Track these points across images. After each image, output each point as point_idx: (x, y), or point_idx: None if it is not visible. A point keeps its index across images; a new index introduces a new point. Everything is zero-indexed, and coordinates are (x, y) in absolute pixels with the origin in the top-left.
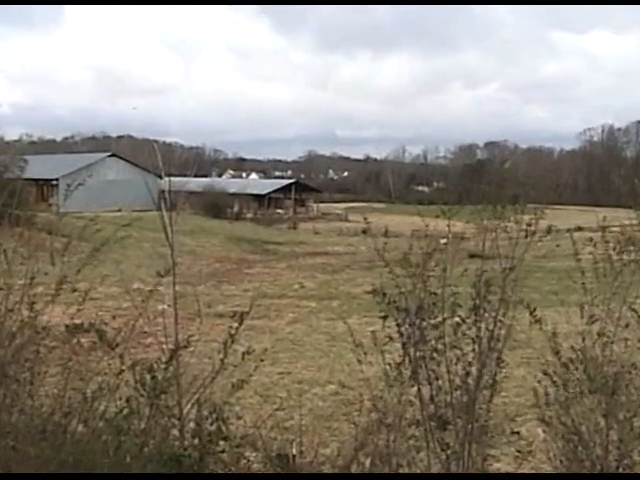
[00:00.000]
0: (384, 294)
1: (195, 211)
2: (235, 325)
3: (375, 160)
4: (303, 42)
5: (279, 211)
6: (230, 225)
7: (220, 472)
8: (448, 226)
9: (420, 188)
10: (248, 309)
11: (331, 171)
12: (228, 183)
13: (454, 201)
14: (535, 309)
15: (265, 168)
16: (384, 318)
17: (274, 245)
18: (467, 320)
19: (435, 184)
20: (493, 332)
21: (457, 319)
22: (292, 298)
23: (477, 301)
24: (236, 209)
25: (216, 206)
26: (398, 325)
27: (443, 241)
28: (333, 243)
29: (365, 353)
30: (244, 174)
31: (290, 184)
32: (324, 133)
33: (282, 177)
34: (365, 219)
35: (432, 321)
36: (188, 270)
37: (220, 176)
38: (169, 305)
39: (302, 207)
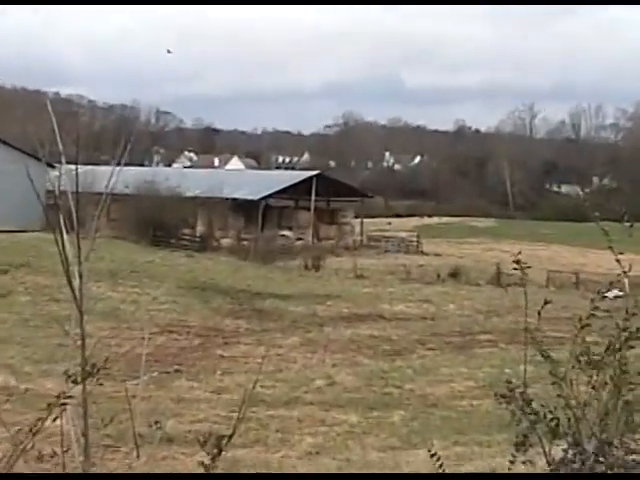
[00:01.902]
0: (526, 402)
1: (120, 233)
2: (204, 460)
3: (477, 133)
4: None
5: (286, 233)
6: (189, 260)
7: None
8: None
9: (565, 189)
10: (230, 429)
11: (388, 155)
12: (184, 177)
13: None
14: None
15: (258, 149)
16: (519, 447)
17: (276, 300)
18: None
19: (595, 180)
20: None
21: None
22: (312, 405)
23: None
24: (200, 228)
25: (161, 223)
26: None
27: (612, 293)
28: (392, 297)
29: None
30: (216, 160)
31: (308, 180)
32: (377, 80)
33: (291, 167)
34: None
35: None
36: (107, 349)
37: (170, 164)
38: (72, 420)
39: (331, 225)
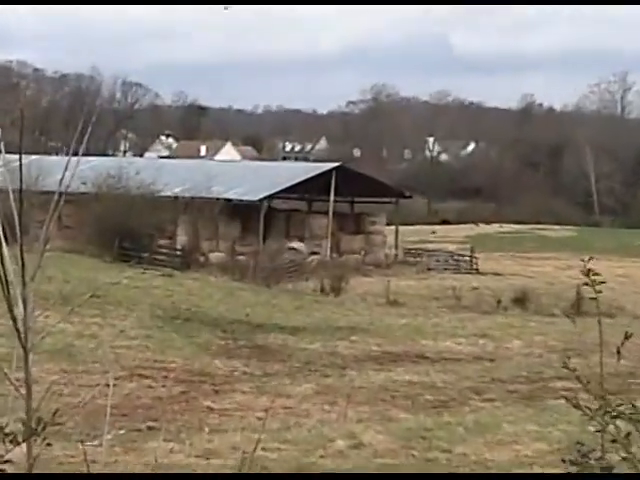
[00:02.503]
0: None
1: (76, 245)
2: None
3: (550, 111)
4: None
5: (296, 245)
6: (167, 281)
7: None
8: None
9: None
10: None
11: (432, 141)
12: (161, 171)
13: None
14: None
15: (259, 133)
16: None
17: (283, 335)
18: None
19: None
20: None
21: None
22: None
23: None
24: (182, 239)
25: (129, 232)
26: None
27: None
28: (438, 331)
29: None
30: (203, 148)
31: (325, 175)
32: (418, 43)
33: (303, 157)
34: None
35: None
36: (59, 400)
37: (142, 154)
38: None
39: (356, 234)
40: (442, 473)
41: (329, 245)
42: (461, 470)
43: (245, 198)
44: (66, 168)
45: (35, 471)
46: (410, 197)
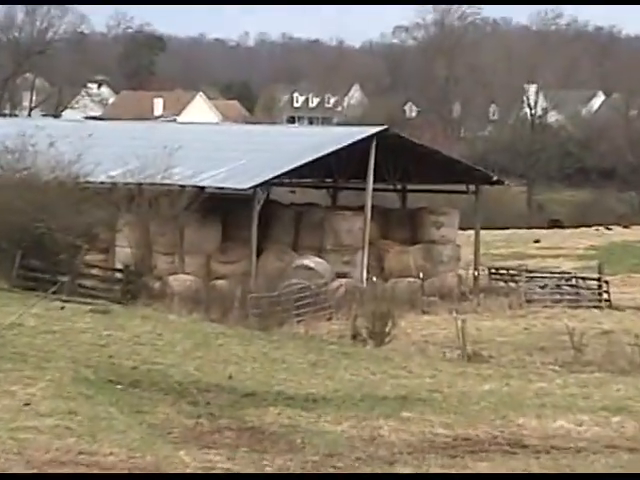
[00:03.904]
0: None
1: None
2: None
3: None
4: None
5: (310, 263)
6: (100, 322)
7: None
8: None
9: None
10: None
11: (535, 91)
12: (90, 142)
13: None
14: None
15: (248, 81)
16: None
17: (290, 409)
18: None
19: None
20: None
21: None
22: None
23: None
24: (124, 252)
25: (38, 242)
26: None
27: None
28: (544, 402)
29: None
30: (159, 102)
31: (359, 146)
32: None
33: (324, 117)
34: None
35: None
36: None
37: (58, 113)
38: None
39: (411, 244)
40: (442, 473)
41: (366, 261)
42: None
43: (228, 186)
44: None
45: None
46: (501, 183)
